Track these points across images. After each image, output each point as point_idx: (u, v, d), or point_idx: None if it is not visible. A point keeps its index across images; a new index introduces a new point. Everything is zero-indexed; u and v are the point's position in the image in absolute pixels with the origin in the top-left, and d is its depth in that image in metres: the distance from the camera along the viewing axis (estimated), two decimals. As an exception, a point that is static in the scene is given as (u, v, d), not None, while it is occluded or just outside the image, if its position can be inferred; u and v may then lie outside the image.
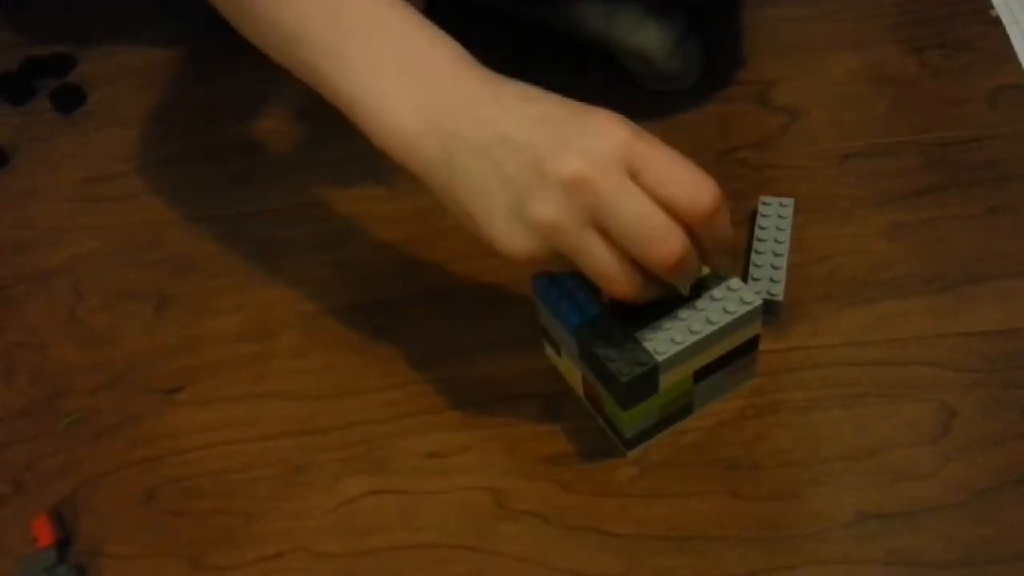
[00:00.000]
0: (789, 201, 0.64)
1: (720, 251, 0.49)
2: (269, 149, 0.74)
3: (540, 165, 0.45)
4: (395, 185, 0.70)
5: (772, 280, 0.60)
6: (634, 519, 0.52)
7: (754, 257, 0.61)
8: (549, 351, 0.58)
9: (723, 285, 0.52)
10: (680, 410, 0.54)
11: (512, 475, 0.54)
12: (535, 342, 0.59)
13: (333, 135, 0.74)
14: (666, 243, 0.45)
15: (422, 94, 0.48)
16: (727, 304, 0.51)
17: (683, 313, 0.51)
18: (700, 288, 0.52)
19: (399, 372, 0.59)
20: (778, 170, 0.68)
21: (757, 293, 0.58)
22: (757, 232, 0.63)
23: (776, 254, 0.62)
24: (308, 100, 0.77)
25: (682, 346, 0.49)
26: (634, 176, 0.45)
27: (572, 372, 0.56)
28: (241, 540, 0.53)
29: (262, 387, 0.60)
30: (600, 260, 0.45)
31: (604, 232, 0.45)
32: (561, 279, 0.53)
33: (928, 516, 0.51)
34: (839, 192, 0.66)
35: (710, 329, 0.50)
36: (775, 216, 0.64)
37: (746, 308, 0.51)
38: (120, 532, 0.54)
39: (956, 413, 0.55)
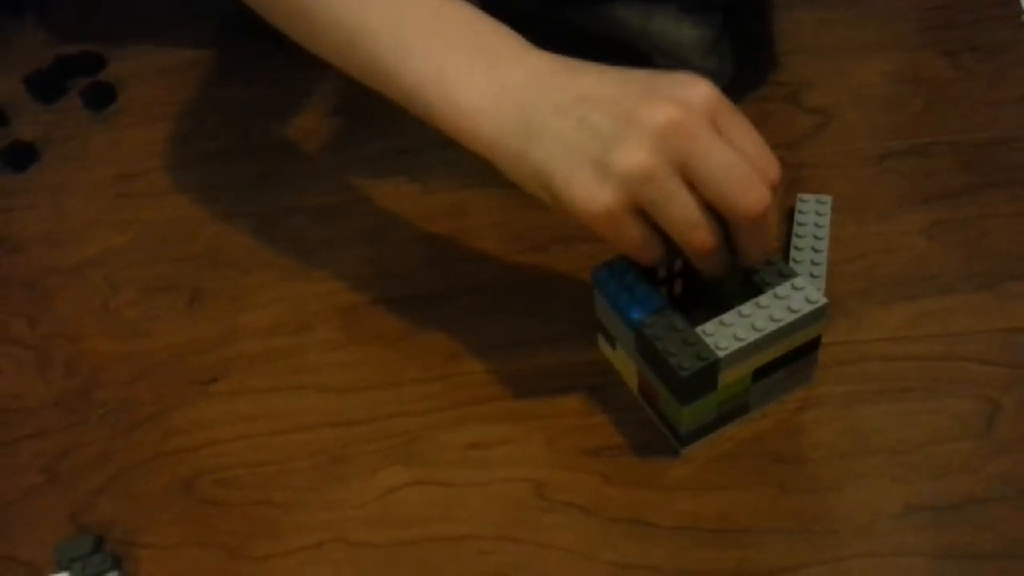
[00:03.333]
0: (827, 198, 0.64)
1: (757, 248, 0.50)
2: (301, 147, 0.74)
3: (630, 113, 0.45)
4: (430, 181, 0.70)
5: (812, 275, 0.60)
6: (678, 512, 0.51)
7: (793, 253, 0.61)
8: (603, 345, 0.58)
9: (787, 283, 0.51)
10: (736, 409, 0.54)
11: (553, 467, 0.54)
12: (575, 336, 0.59)
13: (366, 132, 0.74)
14: (754, 190, 0.46)
15: (491, 72, 0.48)
16: (791, 302, 0.50)
17: (746, 310, 0.50)
18: (763, 285, 0.51)
19: (436, 365, 0.59)
20: (813, 170, 0.68)
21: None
22: (795, 229, 0.62)
23: (815, 250, 0.61)
24: (341, 98, 0.77)
25: (744, 343, 0.49)
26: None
27: (627, 367, 0.55)
28: (280, 530, 0.52)
29: (298, 379, 0.59)
30: (687, 206, 0.45)
31: (690, 181, 0.45)
32: (622, 271, 0.52)
33: (976, 509, 0.50)
34: (875, 191, 0.66)
35: (773, 327, 0.49)
36: (813, 213, 0.63)
37: (811, 307, 0.50)
38: (156, 522, 0.54)
39: (1000, 408, 0.54)
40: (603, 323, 0.56)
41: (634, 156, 0.44)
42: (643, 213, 0.46)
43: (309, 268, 0.65)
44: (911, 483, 0.51)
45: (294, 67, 0.80)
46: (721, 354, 0.49)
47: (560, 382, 0.57)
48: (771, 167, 0.47)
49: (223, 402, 0.58)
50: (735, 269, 0.52)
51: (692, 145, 0.45)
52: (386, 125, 0.74)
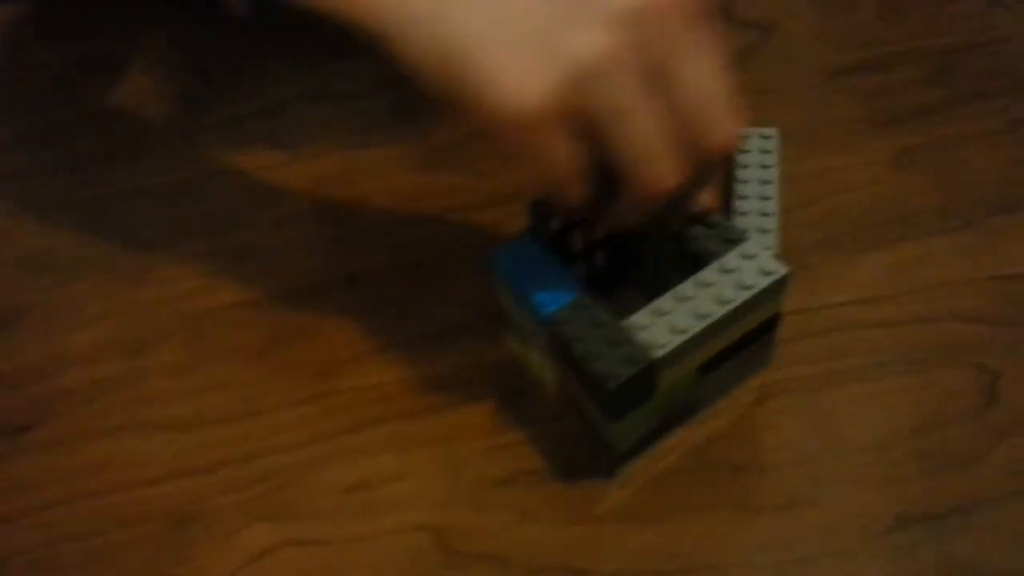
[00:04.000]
0: (772, 131, 0.53)
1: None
2: (144, 115, 0.61)
3: None
4: (298, 146, 0.58)
5: (762, 230, 0.49)
6: (618, 550, 0.41)
7: (737, 203, 0.50)
8: (511, 340, 0.46)
9: (735, 251, 0.40)
10: (680, 413, 0.43)
11: (458, 506, 0.43)
12: (477, 330, 0.48)
13: (218, 92, 0.61)
14: (733, 119, 0.35)
15: None
16: (743, 276, 0.39)
17: (685, 291, 0.39)
18: (705, 255, 0.40)
19: (309, 383, 0.47)
20: (752, 96, 0.56)
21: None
22: (737, 172, 0.51)
23: (763, 197, 0.50)
24: (186, 55, 0.64)
25: (687, 336, 0.38)
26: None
27: (543, 368, 0.44)
28: (115, 623, 0.41)
29: (136, 416, 0.47)
30: (650, 125, 0.34)
31: (658, 91, 0.33)
32: (527, 249, 0.41)
33: (984, 512, 0.40)
34: (830, 116, 0.55)
35: (722, 311, 0.38)
36: (757, 151, 0.52)
37: (768, 280, 0.39)
38: (-41, 624, 0.42)
39: (1000, 377, 0.44)
40: (509, 315, 0.44)
41: (594, 42, 0.32)
42: (581, 132, 0.34)
43: (151, 267, 0.53)
44: (901, 485, 0.41)
45: (131, 22, 0.67)
46: (658, 353, 0.38)
47: (461, 391, 0.46)
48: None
49: (40, 455, 0.46)
50: (671, 234, 0.42)
51: (673, 45, 0.33)
52: (240, 82, 0.62)
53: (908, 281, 0.48)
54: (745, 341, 0.42)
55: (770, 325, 0.43)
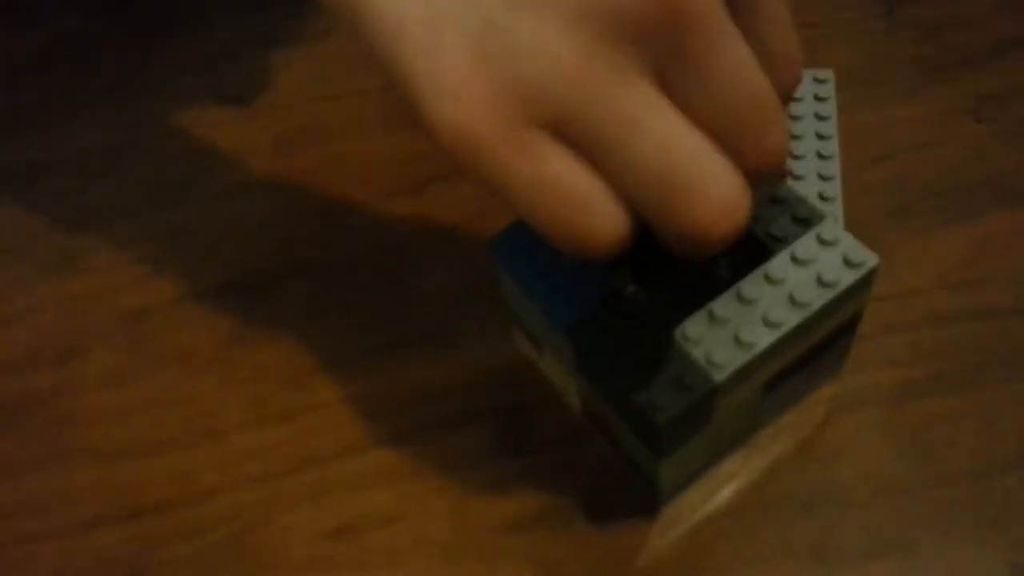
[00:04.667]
0: (827, 73, 0.44)
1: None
2: (63, 64, 0.51)
3: None
4: (253, 101, 0.48)
5: (822, 196, 0.40)
6: (664, 614, 0.33)
7: (791, 165, 0.41)
8: (521, 341, 0.38)
9: (809, 235, 0.31)
10: (737, 437, 0.34)
11: (465, 558, 0.34)
12: (482, 327, 0.39)
13: (153, 36, 0.51)
14: (773, 126, 0.25)
15: None
16: (821, 269, 0.31)
17: (749, 292, 0.30)
18: (769, 241, 0.32)
19: (275, 397, 0.39)
20: (800, 31, 0.47)
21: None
22: (790, 125, 0.42)
23: (822, 156, 0.42)
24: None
25: (754, 352, 0.29)
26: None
27: (563, 378, 0.35)
28: None
29: (64, 440, 0.38)
30: (678, 138, 0.24)
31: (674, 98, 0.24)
32: (537, 237, 0.32)
33: (1124, 565, 0.32)
34: (893, 56, 0.46)
35: (798, 318, 0.30)
36: (810, 98, 0.43)
37: (855, 275, 0.31)
38: None
39: (1124, 381, 0.36)
40: (517, 316, 0.36)
41: (549, 39, 0.23)
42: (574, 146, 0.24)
43: (78, 254, 0.44)
44: (1013, 526, 0.33)
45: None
46: (719, 376, 0.29)
47: (461, 405, 0.37)
48: (794, 64, 0.28)
49: (-55, 496, 0.38)
50: None
51: (688, 39, 0.23)
52: (181, 24, 0.52)
53: (1003, 261, 0.39)
54: (820, 348, 0.33)
55: (851, 326, 0.34)
